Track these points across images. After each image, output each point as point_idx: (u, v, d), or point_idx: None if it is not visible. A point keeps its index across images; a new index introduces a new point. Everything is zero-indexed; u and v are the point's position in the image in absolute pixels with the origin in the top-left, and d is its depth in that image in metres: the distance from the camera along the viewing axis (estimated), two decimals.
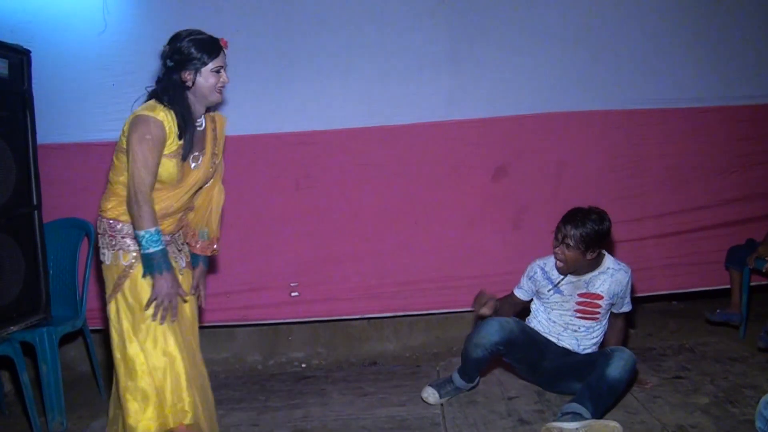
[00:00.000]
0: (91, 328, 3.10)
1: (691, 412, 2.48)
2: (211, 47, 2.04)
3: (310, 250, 3.40)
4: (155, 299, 2.00)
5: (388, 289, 3.43)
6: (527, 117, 3.38)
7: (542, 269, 2.73)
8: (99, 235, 2.12)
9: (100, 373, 3.16)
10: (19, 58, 2.73)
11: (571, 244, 2.53)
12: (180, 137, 2.03)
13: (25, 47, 2.77)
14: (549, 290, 2.69)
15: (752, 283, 3.43)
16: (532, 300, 2.81)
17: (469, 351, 2.63)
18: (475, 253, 3.42)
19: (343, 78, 3.31)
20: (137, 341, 2.02)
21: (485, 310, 2.67)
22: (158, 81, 2.07)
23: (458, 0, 3.33)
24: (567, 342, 2.71)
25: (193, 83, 2.03)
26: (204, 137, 2.15)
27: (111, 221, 2.09)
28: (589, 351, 2.70)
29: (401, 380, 3.07)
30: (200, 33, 2.05)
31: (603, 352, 2.58)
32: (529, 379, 2.82)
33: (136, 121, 1.97)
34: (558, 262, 2.62)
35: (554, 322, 2.72)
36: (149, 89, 2.09)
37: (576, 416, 2.33)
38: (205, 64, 2.02)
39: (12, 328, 2.61)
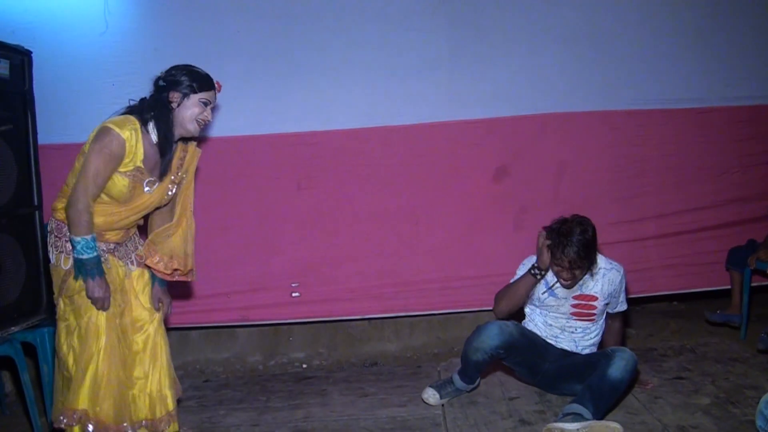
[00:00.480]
0: None
1: (692, 412, 2.48)
2: (205, 81, 2.12)
3: (311, 251, 3.40)
4: (90, 300, 2.06)
5: (389, 290, 3.43)
6: (528, 117, 3.38)
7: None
8: (48, 233, 2.16)
9: None
10: (20, 58, 2.73)
11: (576, 267, 2.49)
12: (162, 155, 2.09)
13: (26, 48, 2.77)
14: (543, 293, 2.67)
15: (753, 284, 3.43)
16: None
17: (468, 354, 2.62)
18: (476, 254, 3.42)
19: (343, 78, 3.31)
20: (77, 336, 2.08)
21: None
22: (143, 99, 2.12)
23: (458, 0, 3.33)
24: (565, 343, 2.70)
25: (178, 105, 2.08)
26: (168, 165, 2.17)
27: (59, 223, 2.12)
28: (588, 351, 2.70)
29: (402, 381, 3.07)
30: (199, 69, 2.13)
31: (604, 352, 2.57)
32: (530, 382, 2.80)
33: (101, 133, 2.01)
34: (563, 281, 2.57)
35: (551, 325, 2.72)
36: (132, 102, 2.13)
37: (577, 417, 2.33)
38: (196, 92, 2.09)
39: (13, 328, 2.61)
